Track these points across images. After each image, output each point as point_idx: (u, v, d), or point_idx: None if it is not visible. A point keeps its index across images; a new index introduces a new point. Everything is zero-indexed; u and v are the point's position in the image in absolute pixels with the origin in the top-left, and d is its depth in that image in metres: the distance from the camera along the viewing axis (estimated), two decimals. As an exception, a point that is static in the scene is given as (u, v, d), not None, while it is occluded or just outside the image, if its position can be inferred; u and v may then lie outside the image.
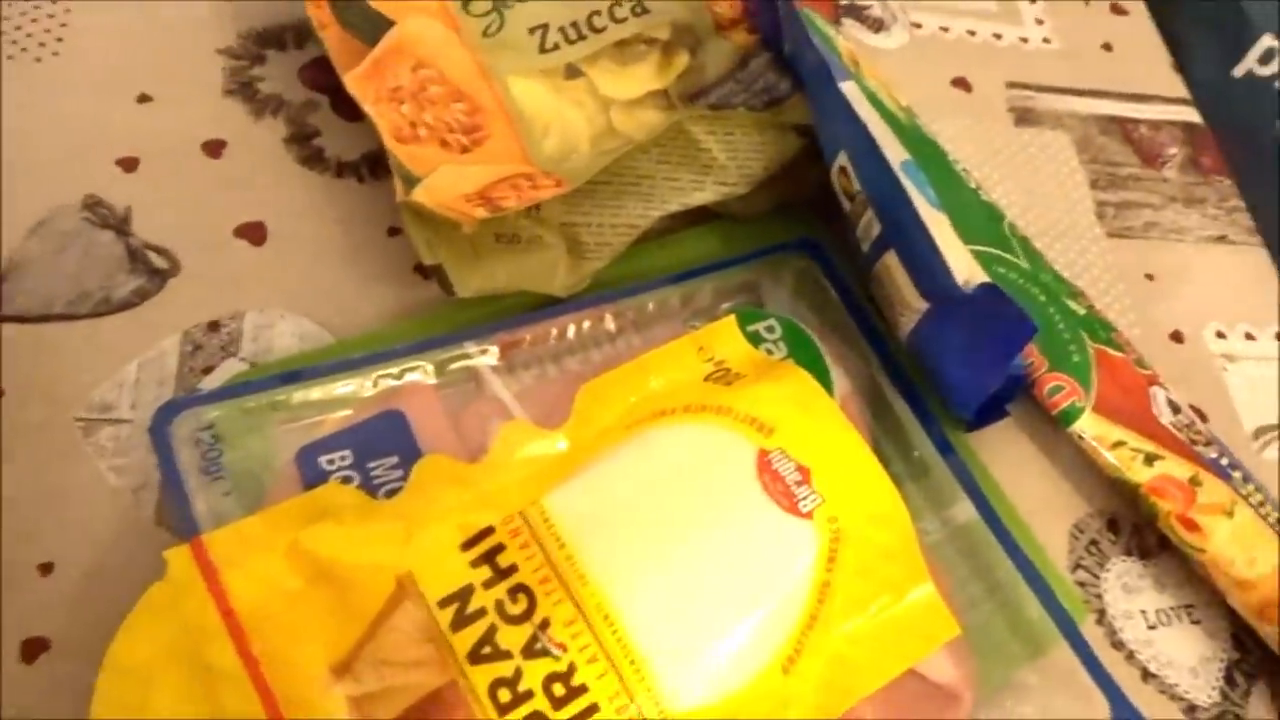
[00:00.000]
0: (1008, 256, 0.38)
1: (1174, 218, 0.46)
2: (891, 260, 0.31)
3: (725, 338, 0.31)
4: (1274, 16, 0.76)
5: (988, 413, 0.35)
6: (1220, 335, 0.43)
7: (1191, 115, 0.50)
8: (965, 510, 0.33)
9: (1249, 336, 0.44)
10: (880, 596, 0.27)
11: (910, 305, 0.31)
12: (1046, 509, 0.36)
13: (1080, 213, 0.45)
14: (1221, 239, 0.47)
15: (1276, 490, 0.39)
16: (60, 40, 0.36)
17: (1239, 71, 0.80)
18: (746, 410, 0.28)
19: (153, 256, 0.33)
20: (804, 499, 0.27)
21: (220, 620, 0.24)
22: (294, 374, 0.29)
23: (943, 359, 0.31)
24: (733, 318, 0.31)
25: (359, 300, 0.33)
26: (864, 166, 0.31)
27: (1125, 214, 0.46)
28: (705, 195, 0.34)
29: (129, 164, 0.34)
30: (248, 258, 0.34)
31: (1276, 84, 0.78)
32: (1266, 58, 0.78)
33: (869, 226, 0.31)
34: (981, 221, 0.39)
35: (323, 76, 0.38)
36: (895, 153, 0.31)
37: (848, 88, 0.31)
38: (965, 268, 0.30)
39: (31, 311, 0.31)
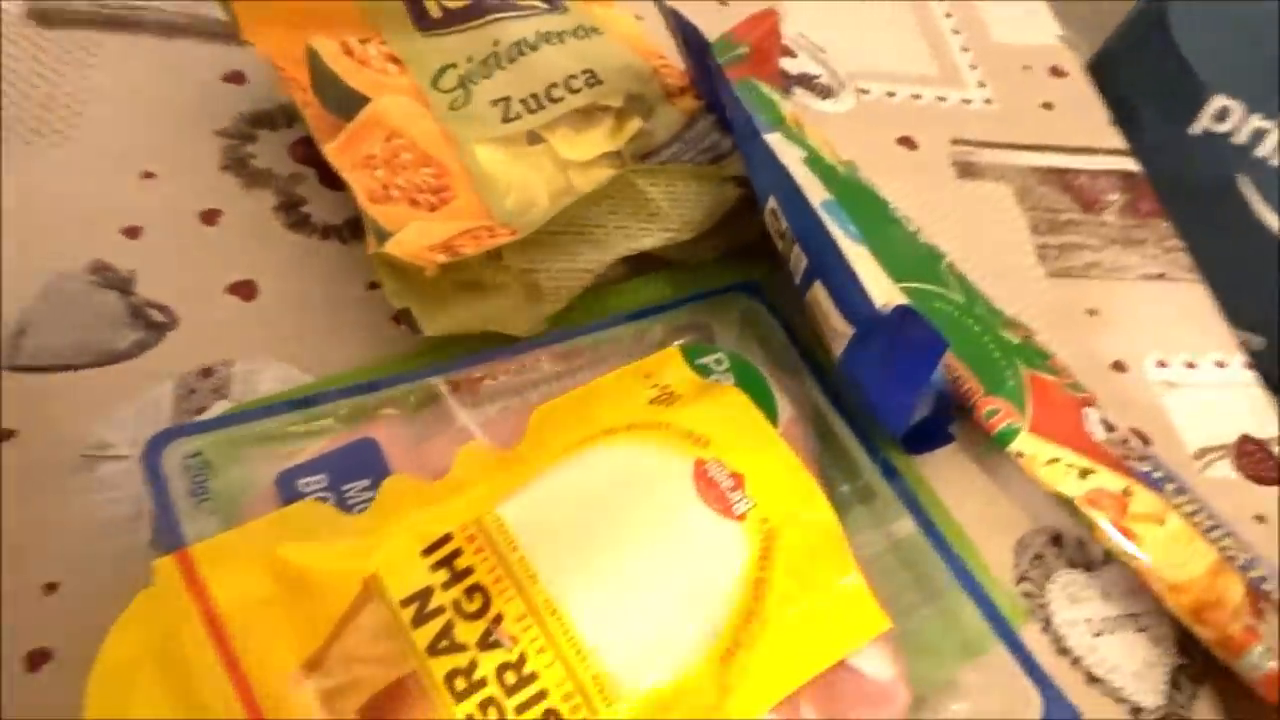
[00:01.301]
0: (944, 292, 0.41)
1: (1114, 258, 0.49)
2: (819, 290, 0.34)
3: (669, 366, 0.34)
4: (1223, 77, 0.80)
5: (931, 437, 0.38)
6: (1161, 364, 0.46)
7: (1128, 165, 0.54)
8: (906, 526, 0.36)
9: (1190, 365, 0.46)
10: (812, 591, 0.29)
11: (838, 331, 0.34)
12: (991, 525, 0.38)
13: (1021, 255, 0.48)
14: (1161, 276, 0.49)
15: (1221, 505, 0.40)
16: (75, 126, 0.40)
17: (1195, 130, 0.84)
18: (684, 425, 0.31)
19: (152, 312, 0.36)
20: (738, 503, 0.29)
21: (202, 623, 0.27)
22: (274, 406, 0.32)
23: (867, 378, 0.33)
24: (676, 347, 0.34)
25: (338, 347, 0.37)
26: (789, 206, 0.34)
27: (1066, 255, 0.49)
28: (651, 240, 0.37)
29: (133, 232, 0.38)
30: (238, 312, 0.37)
31: (1233, 139, 0.82)
32: (1221, 115, 0.82)
33: (798, 260, 0.34)
34: (919, 261, 0.42)
35: (310, 152, 0.42)
36: (816, 193, 0.34)
37: (772, 139, 0.35)
38: (883, 293, 0.33)
39: (41, 362, 0.34)
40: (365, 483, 0.31)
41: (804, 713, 0.29)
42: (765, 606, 0.29)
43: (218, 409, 0.34)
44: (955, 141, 0.52)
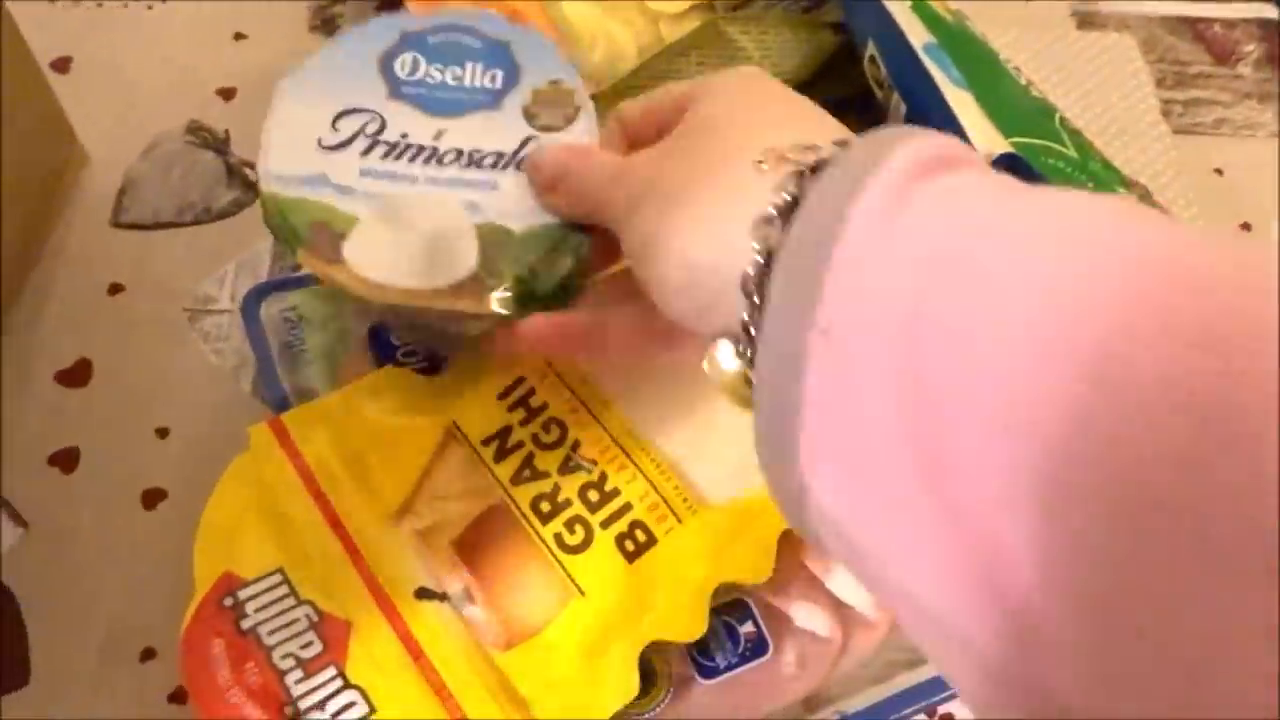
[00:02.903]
0: (1056, 147, 0.38)
1: (1247, 114, 0.46)
2: (918, 139, 0.32)
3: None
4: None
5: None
6: (1293, 226, 0.43)
7: (1269, 11, 0.49)
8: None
9: (1325, 227, 0.43)
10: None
11: (937, 182, 0.32)
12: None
13: (1143, 111, 0.45)
14: (1299, 133, 0.45)
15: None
16: (168, -10, 0.41)
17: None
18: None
19: (248, 172, 0.37)
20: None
21: (298, 477, 0.28)
22: (364, 260, 0.32)
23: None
24: None
25: (428, 206, 0.37)
26: (889, 50, 0.32)
27: (1194, 111, 0.45)
28: (743, 92, 0.36)
29: (228, 94, 0.38)
30: (330, 172, 0.37)
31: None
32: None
33: (897, 109, 0.32)
34: (1030, 116, 0.39)
35: (395, 9, 0.41)
36: (918, 36, 0.32)
37: (872, -23, 0.32)
38: (987, 141, 0.31)
39: (145, 220, 0.35)
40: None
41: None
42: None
43: (312, 266, 0.35)
44: (1076, -10, 0.48)
